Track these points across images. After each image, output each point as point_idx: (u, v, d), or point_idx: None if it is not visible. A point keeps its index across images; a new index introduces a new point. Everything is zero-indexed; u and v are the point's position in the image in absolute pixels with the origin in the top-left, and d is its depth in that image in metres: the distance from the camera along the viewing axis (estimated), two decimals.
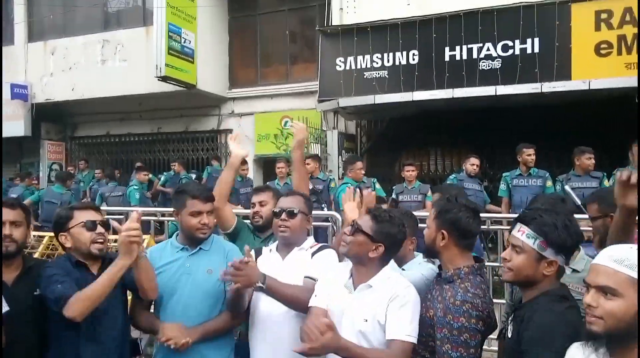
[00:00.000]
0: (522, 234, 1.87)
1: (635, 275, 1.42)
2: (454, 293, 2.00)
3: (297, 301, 2.24)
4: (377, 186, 7.06)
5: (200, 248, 2.54)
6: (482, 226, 4.44)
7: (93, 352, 2.30)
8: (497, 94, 7.60)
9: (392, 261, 2.29)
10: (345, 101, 8.51)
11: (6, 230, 2.31)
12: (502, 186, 6.22)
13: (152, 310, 2.58)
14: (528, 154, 6.04)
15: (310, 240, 2.56)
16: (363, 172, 6.24)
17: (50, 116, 12.39)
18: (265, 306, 2.34)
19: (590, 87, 7.19)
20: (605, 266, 1.48)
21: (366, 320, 2.04)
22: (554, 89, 7.37)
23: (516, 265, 1.87)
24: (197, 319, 2.43)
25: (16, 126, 11.71)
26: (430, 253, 2.22)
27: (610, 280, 1.45)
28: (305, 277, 2.31)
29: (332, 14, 9.24)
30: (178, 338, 2.29)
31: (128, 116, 12.00)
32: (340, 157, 9.07)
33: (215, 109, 11.34)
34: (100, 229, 2.40)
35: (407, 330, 1.99)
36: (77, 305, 2.12)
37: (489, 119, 8.32)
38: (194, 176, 9.69)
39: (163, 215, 5.02)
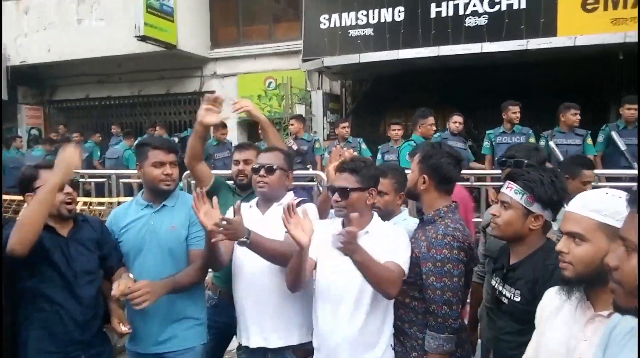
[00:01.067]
0: (510, 190, 1.95)
1: (602, 219, 1.42)
2: (435, 230, 2.12)
3: (280, 256, 2.23)
4: (363, 146, 7.05)
5: (164, 205, 2.50)
6: (466, 183, 4.50)
7: (72, 307, 2.27)
8: (483, 51, 7.52)
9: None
10: (329, 60, 8.37)
11: (68, 189, 2.29)
12: (486, 144, 6.23)
13: None
14: (514, 112, 6.02)
15: (290, 195, 2.54)
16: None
17: (27, 79, 12.00)
18: (249, 261, 2.33)
19: (576, 44, 7.14)
20: (574, 213, 1.49)
21: None
22: (540, 45, 7.31)
23: (504, 220, 1.95)
24: (162, 277, 2.40)
25: None
26: (412, 195, 2.34)
27: (578, 225, 1.46)
28: (286, 232, 2.27)
29: None
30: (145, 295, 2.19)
31: (107, 79, 11.69)
32: (325, 118, 9.00)
33: (197, 70, 11.08)
34: (67, 188, 2.31)
35: (401, 259, 2.08)
36: (14, 237, 2.04)
37: (475, 79, 8.25)
38: (176, 139, 9.54)
39: None
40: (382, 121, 9.60)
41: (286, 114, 8.46)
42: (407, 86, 9.04)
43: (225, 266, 2.43)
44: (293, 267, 2.12)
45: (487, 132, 6.32)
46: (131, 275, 2.32)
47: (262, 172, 2.43)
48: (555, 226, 2.03)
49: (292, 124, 7.16)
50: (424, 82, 8.76)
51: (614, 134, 5.70)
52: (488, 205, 5.05)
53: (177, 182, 2.54)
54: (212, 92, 10.42)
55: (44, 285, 2.23)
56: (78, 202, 2.44)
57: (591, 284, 1.46)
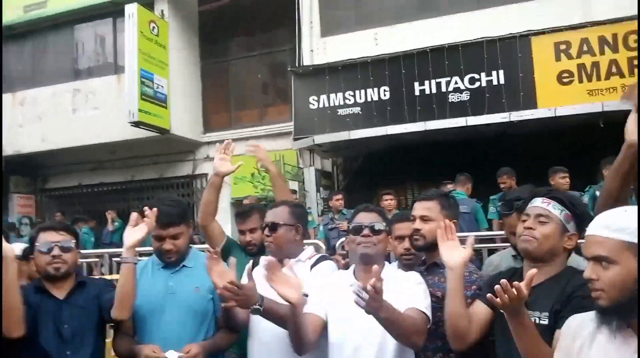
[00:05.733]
0: (548, 204, 1.84)
1: (627, 238, 1.35)
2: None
3: None
4: None
5: (184, 266, 2.44)
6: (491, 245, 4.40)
7: None
8: (468, 124, 7.79)
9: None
10: (320, 138, 8.58)
11: (56, 251, 2.31)
12: (492, 209, 6.26)
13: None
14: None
15: (309, 250, 2.46)
16: None
17: (19, 169, 12.07)
18: (264, 320, 2.19)
19: (556, 114, 7.45)
20: (596, 236, 1.41)
21: None
22: (522, 117, 7.61)
23: (543, 234, 1.81)
24: (184, 340, 2.31)
25: None
26: (430, 247, 2.26)
27: (602, 248, 1.38)
28: (303, 295, 2.14)
29: (302, 56, 9.43)
30: None
31: (100, 166, 11.79)
32: (318, 194, 9.06)
33: (190, 154, 11.27)
34: (56, 251, 2.33)
35: (423, 305, 2.03)
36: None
37: (463, 150, 8.47)
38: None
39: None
40: (375, 196, 9.68)
41: None
42: (398, 161, 9.23)
43: (244, 327, 2.33)
44: (290, 328, 1.98)
45: (491, 198, 6.39)
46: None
47: (266, 231, 2.38)
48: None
49: None
50: (414, 156, 8.96)
51: (599, 194, 5.75)
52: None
53: (183, 250, 2.45)
54: (205, 175, 10.62)
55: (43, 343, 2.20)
56: (72, 264, 2.37)
57: (629, 310, 1.35)
